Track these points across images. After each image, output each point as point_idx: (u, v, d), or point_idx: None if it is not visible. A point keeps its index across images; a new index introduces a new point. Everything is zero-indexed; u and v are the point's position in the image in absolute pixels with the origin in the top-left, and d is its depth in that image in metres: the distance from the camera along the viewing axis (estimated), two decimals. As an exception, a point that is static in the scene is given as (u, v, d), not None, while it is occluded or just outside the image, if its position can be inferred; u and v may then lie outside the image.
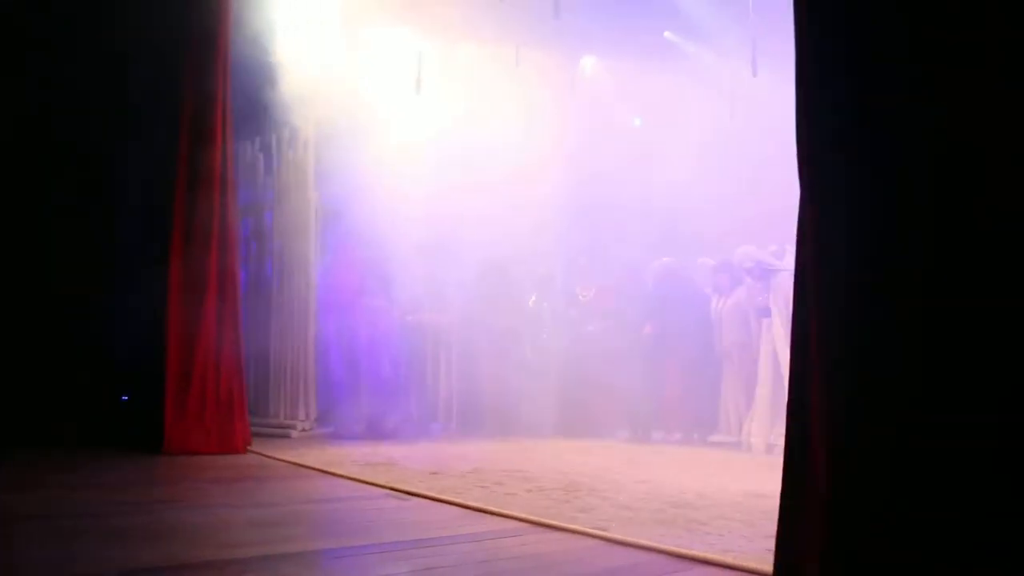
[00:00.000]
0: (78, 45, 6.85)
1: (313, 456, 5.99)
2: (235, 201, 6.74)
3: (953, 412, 1.47)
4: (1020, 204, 1.46)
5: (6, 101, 6.65)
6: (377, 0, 8.61)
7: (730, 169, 8.89)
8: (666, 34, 9.98)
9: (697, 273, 7.90)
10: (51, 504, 3.98)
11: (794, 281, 1.83)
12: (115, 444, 6.49)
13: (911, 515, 1.50)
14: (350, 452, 6.31)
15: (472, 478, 4.75)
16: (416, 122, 8.75)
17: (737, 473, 5.04)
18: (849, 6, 1.79)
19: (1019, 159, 1.46)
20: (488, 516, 3.56)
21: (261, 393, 8.21)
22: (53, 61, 6.83)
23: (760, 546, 2.82)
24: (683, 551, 2.77)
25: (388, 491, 4.34)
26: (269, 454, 6.19)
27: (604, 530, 3.13)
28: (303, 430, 7.87)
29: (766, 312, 6.50)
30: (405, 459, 5.79)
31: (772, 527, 3.13)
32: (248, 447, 6.53)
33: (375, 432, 7.57)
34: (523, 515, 3.48)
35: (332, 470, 5.21)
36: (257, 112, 8.01)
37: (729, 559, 2.63)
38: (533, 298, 8.69)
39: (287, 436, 7.66)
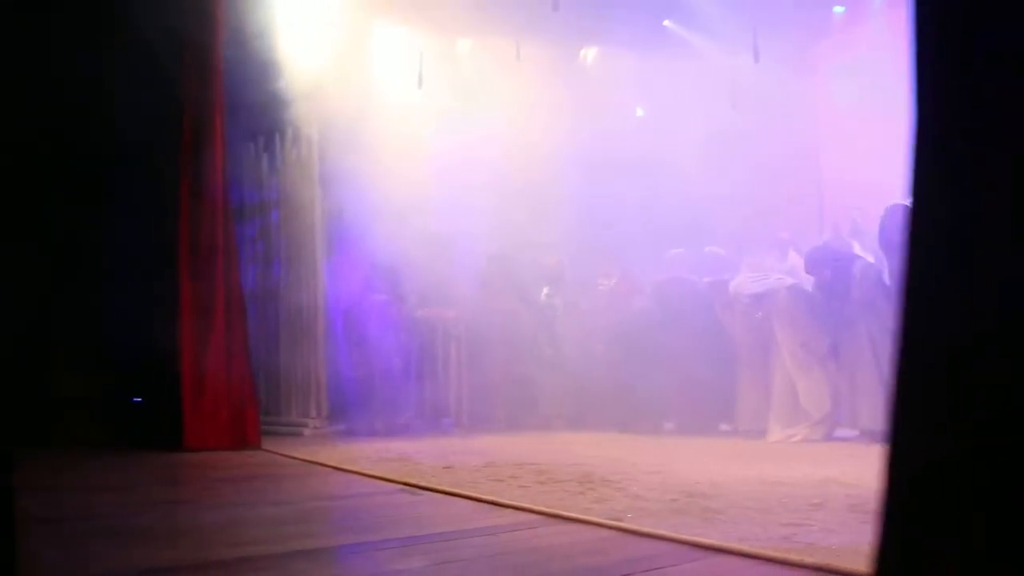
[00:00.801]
0: (75, 54, 6.88)
1: (326, 453, 6.01)
2: (231, 209, 7.00)
3: None
4: None
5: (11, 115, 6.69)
6: (376, -3, 8.65)
7: (735, 158, 8.89)
8: (665, 23, 9.97)
9: (706, 262, 7.86)
10: (66, 505, 4.00)
11: (905, 276, 1.71)
12: (131, 443, 6.61)
13: None
14: (363, 448, 6.33)
15: (485, 472, 4.76)
16: (418, 117, 8.77)
17: (750, 461, 5.03)
18: None
19: None
20: (502, 509, 3.56)
21: (272, 392, 8.24)
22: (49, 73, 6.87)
23: (776, 533, 2.82)
24: (699, 540, 2.76)
25: (402, 486, 4.34)
26: (282, 452, 6.22)
27: (619, 521, 3.13)
28: (315, 428, 7.90)
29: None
30: (418, 454, 5.80)
31: (788, 515, 3.16)
32: (259, 445, 6.62)
33: (387, 428, 7.59)
34: (537, 507, 3.48)
35: (345, 467, 5.22)
36: (260, 111, 8.02)
37: (745, 547, 2.63)
38: (546, 290, 8.69)
39: (299, 434, 7.69)
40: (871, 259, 6.28)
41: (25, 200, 6.90)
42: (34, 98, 6.80)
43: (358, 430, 7.61)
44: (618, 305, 8.07)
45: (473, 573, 2.54)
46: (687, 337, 7.06)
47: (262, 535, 3.15)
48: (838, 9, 9.98)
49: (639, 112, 10.83)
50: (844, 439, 6.21)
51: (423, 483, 4.32)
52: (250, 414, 6.77)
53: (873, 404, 5.85)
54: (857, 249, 6.60)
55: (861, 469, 4.39)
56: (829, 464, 4.72)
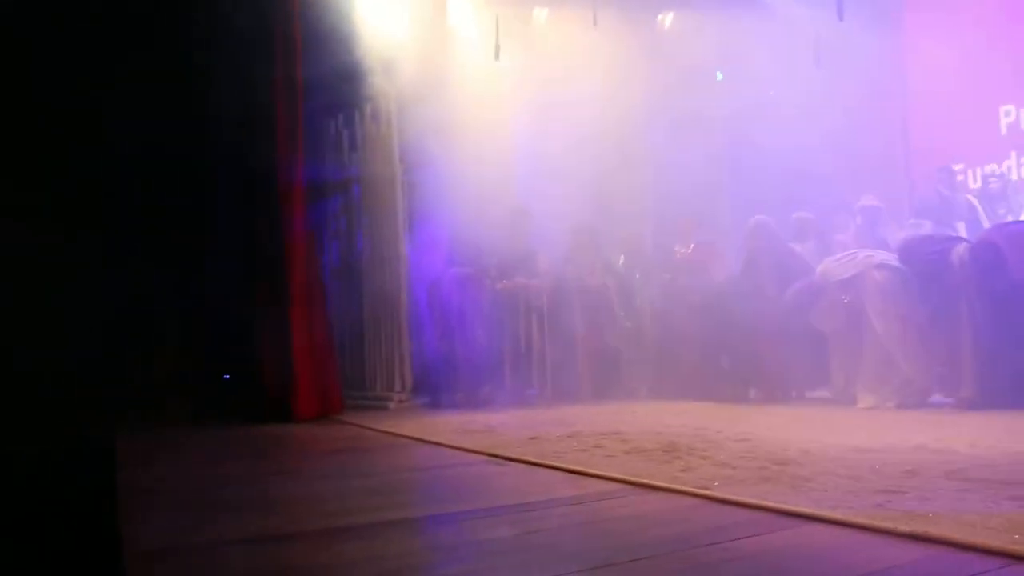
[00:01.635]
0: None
1: (411, 426, 6.09)
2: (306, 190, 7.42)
3: None
4: None
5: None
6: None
7: (818, 120, 8.67)
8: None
9: (788, 229, 7.68)
10: (167, 477, 4.15)
11: None
12: (222, 419, 6.98)
13: None
14: (447, 421, 6.39)
15: (570, 442, 4.76)
16: (496, 88, 8.75)
17: (840, 429, 4.92)
18: None
19: None
20: (588, 478, 3.56)
21: (357, 367, 8.39)
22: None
23: (868, 501, 2.76)
24: (789, 507, 2.72)
25: (487, 457, 4.37)
26: (369, 425, 6.32)
27: (706, 489, 3.10)
28: (400, 401, 8.00)
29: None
30: (502, 425, 5.83)
31: (880, 482, 3.09)
32: (342, 417, 6.99)
33: (471, 400, 7.64)
34: (623, 476, 3.46)
35: (431, 438, 5.28)
36: (339, 88, 8.11)
37: (838, 515, 2.58)
38: (622, 259, 8.63)
39: (385, 408, 7.80)
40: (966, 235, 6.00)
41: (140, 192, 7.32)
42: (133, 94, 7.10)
43: (442, 403, 7.69)
44: (696, 272, 7.96)
45: (560, 542, 2.55)
46: (769, 302, 6.93)
47: (354, 506, 3.20)
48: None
49: (719, 76, 10.63)
50: (937, 406, 6.03)
51: (508, 454, 4.34)
52: (333, 387, 7.20)
53: (972, 371, 5.68)
54: (960, 226, 6.33)
55: (954, 436, 4.27)
56: (921, 431, 4.58)
